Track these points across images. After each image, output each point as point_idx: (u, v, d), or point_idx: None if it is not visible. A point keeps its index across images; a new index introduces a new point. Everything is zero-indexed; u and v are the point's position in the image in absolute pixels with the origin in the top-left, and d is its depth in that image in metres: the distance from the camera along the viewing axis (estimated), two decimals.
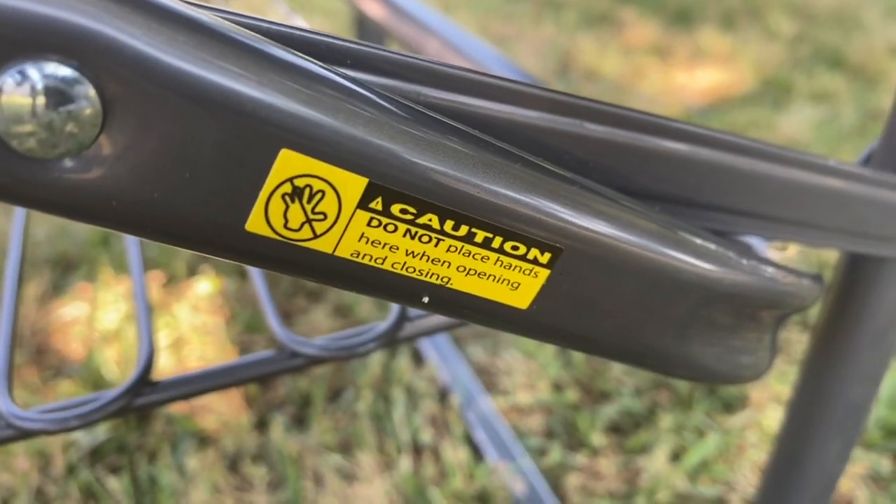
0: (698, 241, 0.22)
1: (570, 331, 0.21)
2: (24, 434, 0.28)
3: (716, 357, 0.25)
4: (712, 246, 0.22)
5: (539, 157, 0.19)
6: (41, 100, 0.13)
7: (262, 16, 0.17)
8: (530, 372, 0.81)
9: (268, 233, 0.16)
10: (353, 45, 0.17)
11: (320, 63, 0.15)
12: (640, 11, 1.81)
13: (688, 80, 1.52)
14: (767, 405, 0.77)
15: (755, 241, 0.31)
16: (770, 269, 0.24)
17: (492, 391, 0.79)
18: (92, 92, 0.14)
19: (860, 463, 0.73)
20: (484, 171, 0.17)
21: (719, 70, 1.55)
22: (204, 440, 0.72)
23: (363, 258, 0.17)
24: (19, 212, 0.39)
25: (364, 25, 0.79)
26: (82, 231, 0.98)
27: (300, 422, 0.75)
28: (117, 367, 0.79)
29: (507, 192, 0.17)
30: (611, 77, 1.52)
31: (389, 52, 0.18)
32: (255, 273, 0.34)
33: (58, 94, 0.13)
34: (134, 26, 0.13)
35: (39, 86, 0.13)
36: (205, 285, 0.90)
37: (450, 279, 0.18)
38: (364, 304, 0.87)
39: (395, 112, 0.16)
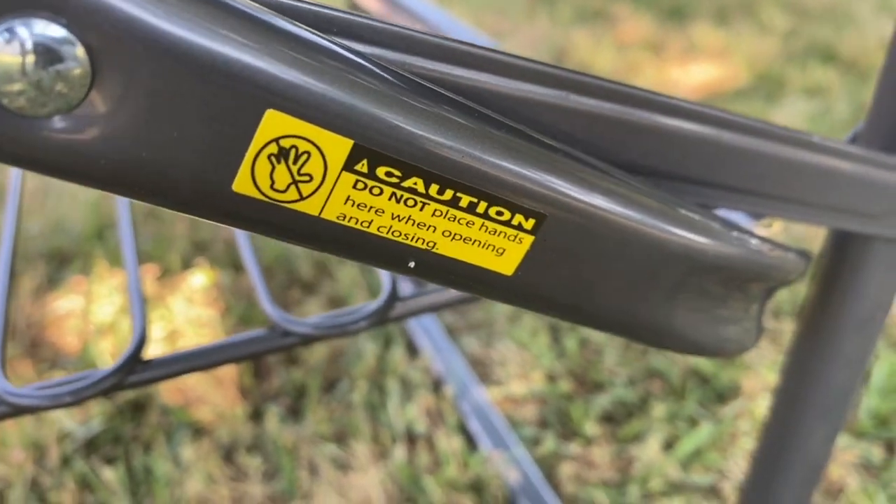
0: (684, 211, 0.22)
1: (555, 299, 0.21)
2: (19, 410, 0.28)
3: (701, 329, 0.25)
4: (698, 217, 0.23)
5: (528, 127, 0.20)
6: (31, 58, 0.14)
7: None
8: (524, 362, 0.81)
9: (254, 193, 0.16)
10: (339, 14, 0.17)
11: (307, 27, 0.16)
12: (633, 7, 1.82)
13: (682, 74, 1.52)
14: (759, 394, 0.78)
15: (741, 218, 0.31)
16: (756, 242, 0.25)
17: (486, 381, 0.79)
18: (81, 51, 0.14)
19: (851, 451, 0.73)
20: (468, 136, 0.17)
21: (713, 65, 1.56)
22: (199, 431, 0.73)
23: (349, 221, 0.17)
24: (11, 201, 0.40)
25: None
26: (76, 225, 0.98)
27: (295, 412, 0.75)
28: (112, 360, 0.79)
29: (490, 158, 0.18)
30: (605, 72, 1.52)
31: (376, 21, 0.18)
32: (247, 255, 0.35)
33: (47, 53, 0.14)
34: None
35: (29, 44, 0.14)
36: (199, 278, 0.90)
37: (435, 244, 0.18)
38: (358, 295, 0.88)
39: (381, 76, 0.16)
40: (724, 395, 0.78)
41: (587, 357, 0.82)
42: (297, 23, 0.16)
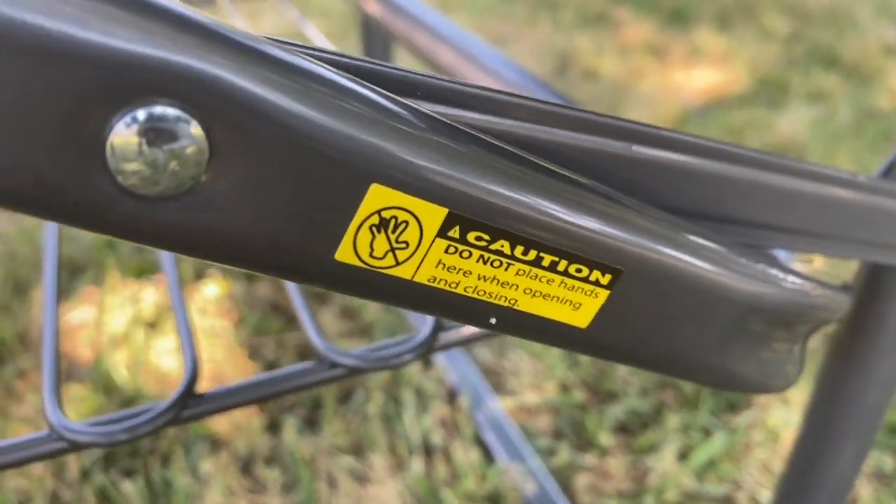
0: (742, 258, 0.23)
1: (626, 347, 0.21)
2: (75, 446, 0.28)
3: (751, 368, 0.25)
4: (753, 262, 0.23)
5: (591, 178, 0.20)
6: (148, 139, 0.14)
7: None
8: (537, 372, 0.82)
9: (355, 261, 0.17)
10: (423, 78, 0.18)
11: (405, 99, 0.16)
12: (635, 11, 1.83)
13: (685, 79, 1.53)
14: (772, 404, 0.78)
15: (781, 254, 0.32)
16: (802, 283, 0.25)
17: (500, 392, 0.80)
18: (197, 131, 0.14)
19: None
20: (553, 198, 0.18)
21: (715, 70, 1.57)
22: (216, 443, 0.73)
23: (439, 283, 0.18)
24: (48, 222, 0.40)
25: (369, 29, 0.80)
26: (87, 234, 0.98)
27: (312, 424, 0.75)
28: (126, 371, 0.80)
29: (573, 218, 0.18)
30: (609, 77, 1.53)
31: (455, 82, 0.18)
32: (291, 286, 0.35)
33: (164, 135, 0.14)
34: (241, 70, 0.14)
35: (147, 126, 0.14)
36: (212, 288, 0.90)
37: (517, 301, 0.19)
38: (371, 306, 0.88)
39: (471, 142, 0.17)
40: (736, 405, 0.79)
41: (600, 367, 0.83)
42: (395, 97, 0.16)
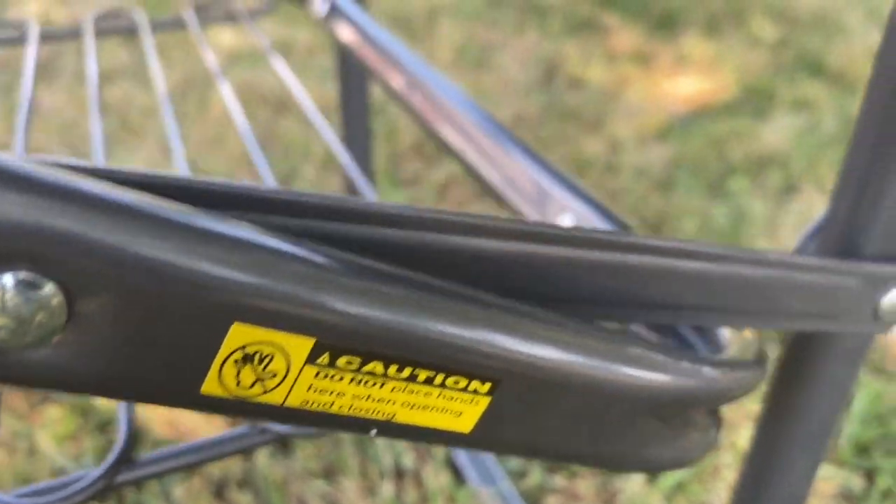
0: (636, 350, 0.23)
1: (516, 445, 0.22)
2: None
3: (661, 450, 0.26)
4: (651, 354, 0.24)
5: (473, 279, 0.21)
6: (10, 296, 0.15)
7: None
8: None
9: (222, 393, 0.17)
10: (281, 196, 0.18)
11: (267, 229, 0.17)
12: (623, 17, 1.83)
13: (671, 87, 1.53)
14: (742, 424, 0.79)
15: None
16: (709, 370, 0.26)
17: None
18: (56, 289, 0.15)
19: (832, 481, 0.74)
20: (423, 313, 0.18)
21: (702, 77, 1.57)
22: (189, 467, 0.74)
23: (312, 405, 0.18)
24: None
25: (345, 58, 0.80)
26: None
27: (284, 447, 0.76)
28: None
29: (446, 332, 0.19)
30: (595, 84, 1.53)
31: (313, 195, 0.19)
32: None
33: (25, 293, 0.15)
34: (86, 224, 0.15)
35: (8, 285, 0.15)
36: None
37: (395, 414, 0.20)
38: None
39: (335, 268, 0.17)
40: None
41: None
42: (256, 227, 0.17)
